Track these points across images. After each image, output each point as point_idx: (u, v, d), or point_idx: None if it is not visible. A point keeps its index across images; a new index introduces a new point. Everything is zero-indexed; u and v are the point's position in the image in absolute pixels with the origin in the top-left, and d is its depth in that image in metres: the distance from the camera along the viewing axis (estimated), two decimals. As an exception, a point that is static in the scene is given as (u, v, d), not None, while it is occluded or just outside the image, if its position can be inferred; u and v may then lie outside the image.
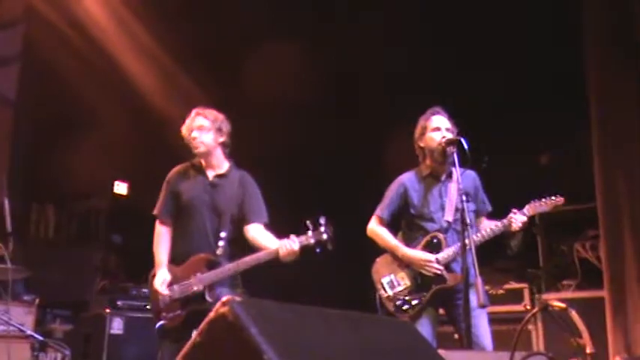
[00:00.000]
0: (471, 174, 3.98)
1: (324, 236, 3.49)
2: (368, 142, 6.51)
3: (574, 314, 2.91)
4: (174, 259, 3.87)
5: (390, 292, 3.83)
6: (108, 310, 5.40)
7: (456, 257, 3.75)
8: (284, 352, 1.31)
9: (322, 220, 3.51)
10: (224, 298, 1.44)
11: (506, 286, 5.47)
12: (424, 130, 3.96)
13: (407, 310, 3.77)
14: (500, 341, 3.91)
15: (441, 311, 3.92)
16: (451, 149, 3.72)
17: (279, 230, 3.73)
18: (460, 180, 3.63)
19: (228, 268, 3.67)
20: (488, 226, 3.83)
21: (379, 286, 3.88)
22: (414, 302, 3.77)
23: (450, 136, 3.82)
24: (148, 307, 4.65)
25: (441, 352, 2.24)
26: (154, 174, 4.30)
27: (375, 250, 4.00)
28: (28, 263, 5.31)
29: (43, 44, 6.97)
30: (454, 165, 3.70)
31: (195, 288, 3.69)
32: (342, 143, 6.66)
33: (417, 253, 3.81)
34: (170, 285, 3.78)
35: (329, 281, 6.38)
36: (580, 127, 5.37)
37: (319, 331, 1.50)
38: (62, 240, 7.22)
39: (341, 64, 6.60)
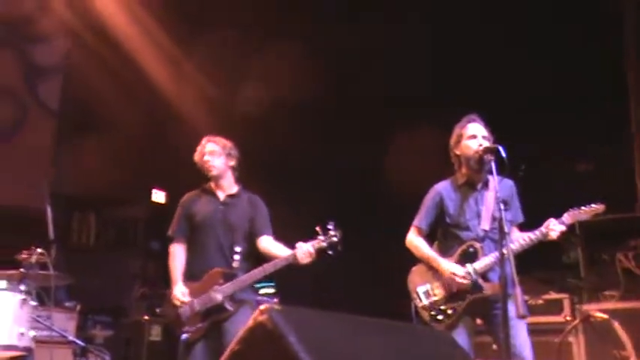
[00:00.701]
0: (508, 182, 3.92)
1: (335, 239, 3.80)
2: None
3: (617, 325, 2.85)
4: (192, 276, 4.08)
5: (426, 302, 3.79)
6: (147, 317, 5.48)
7: (493, 266, 3.69)
8: (322, 360, 1.32)
9: (331, 225, 3.82)
10: (261, 306, 1.45)
11: (546, 297, 5.37)
12: (460, 137, 3.91)
13: (442, 319, 3.73)
14: (540, 352, 3.84)
15: (479, 321, 3.87)
16: (488, 157, 3.66)
17: (293, 238, 3.94)
18: (497, 188, 3.58)
19: (247, 277, 3.92)
20: (527, 235, 3.76)
21: (414, 296, 3.84)
22: (449, 312, 3.73)
23: (486, 143, 3.78)
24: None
25: (478, 362, 2.21)
26: (191, 182, 4.44)
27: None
28: (70, 270, 5.41)
29: (83, 55, 7.15)
30: (491, 173, 3.64)
31: (216, 298, 3.90)
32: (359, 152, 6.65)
33: (446, 265, 3.77)
34: (190, 300, 4.00)
35: (362, 290, 6.37)
36: (621, 133, 5.27)
37: (357, 339, 1.50)
38: (102, 247, 7.36)
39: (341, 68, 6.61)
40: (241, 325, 3.78)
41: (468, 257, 3.78)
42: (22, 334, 3.67)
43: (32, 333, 3.79)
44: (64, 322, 5.09)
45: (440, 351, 1.76)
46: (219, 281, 3.94)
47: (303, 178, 6.93)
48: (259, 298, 4.94)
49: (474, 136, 3.84)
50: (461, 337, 3.66)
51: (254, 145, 5.12)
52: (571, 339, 4.99)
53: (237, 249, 4.04)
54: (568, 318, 5.19)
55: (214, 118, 6.82)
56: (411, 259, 3.98)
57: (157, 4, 6.77)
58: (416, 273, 3.92)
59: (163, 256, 4.39)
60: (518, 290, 3.16)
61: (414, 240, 3.95)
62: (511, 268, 3.27)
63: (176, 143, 7.01)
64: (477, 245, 3.78)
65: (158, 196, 7.60)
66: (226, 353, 1.48)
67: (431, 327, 3.69)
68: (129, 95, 7.17)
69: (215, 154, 4.24)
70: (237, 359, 1.44)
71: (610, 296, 5.23)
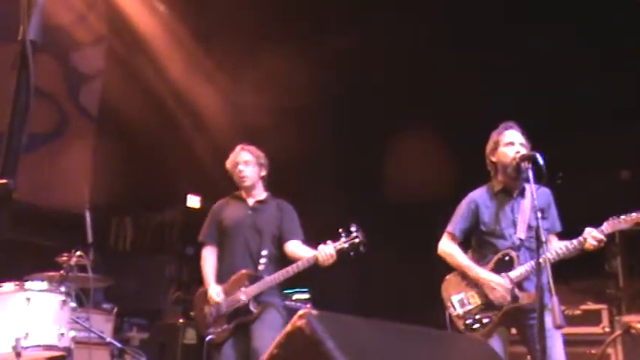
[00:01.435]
0: (545, 191, 3.87)
1: (357, 240, 3.83)
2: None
3: (657, 337, 2.78)
4: (220, 278, 4.21)
5: (460, 311, 3.76)
6: (181, 320, 5.54)
7: (529, 276, 3.65)
8: (359, 366, 1.32)
9: (353, 227, 3.86)
10: (300, 311, 1.47)
11: (583, 307, 5.27)
12: (497, 144, 3.87)
13: (477, 329, 3.69)
14: (576, 364, 3.77)
15: (513, 331, 3.82)
16: (526, 165, 3.61)
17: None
18: (535, 196, 3.53)
19: (271, 278, 3.99)
20: (563, 244, 3.70)
21: (449, 304, 3.81)
22: (484, 321, 3.69)
23: (524, 151, 3.74)
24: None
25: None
26: (224, 187, 4.52)
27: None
28: (107, 273, 5.52)
29: (119, 63, 7.29)
30: (528, 181, 3.60)
31: (242, 299, 4.00)
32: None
33: (485, 275, 3.73)
34: (221, 301, 4.12)
35: (397, 297, 6.34)
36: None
37: (395, 346, 1.50)
38: (138, 252, 7.47)
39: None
40: (267, 327, 3.95)
41: (504, 266, 3.74)
42: (62, 334, 3.73)
43: (72, 333, 3.85)
44: (102, 324, 5.18)
45: (478, 359, 1.74)
46: (244, 283, 4.04)
47: (333, 180, 6.93)
48: (287, 302, 4.95)
49: (511, 143, 3.80)
50: (496, 346, 3.62)
51: (281, 148, 5.17)
52: (610, 350, 4.90)
53: (264, 252, 4.12)
54: (607, 329, 5.09)
55: (243, 125, 6.88)
56: (442, 265, 3.95)
57: (187, 12, 6.86)
58: (450, 281, 3.88)
59: (198, 261, 4.46)
60: (554, 300, 3.11)
61: (448, 247, 3.92)
62: (547, 278, 3.23)
63: (209, 149, 7.11)
64: (513, 254, 3.73)
65: (193, 202, 7.69)
66: (265, 357, 1.50)
67: (469, 335, 3.66)
68: (163, 102, 7.28)
69: (249, 164, 4.34)
70: (275, 363, 1.45)
71: (650, 307, 5.11)
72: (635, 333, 2.95)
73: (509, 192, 3.89)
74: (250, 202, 4.35)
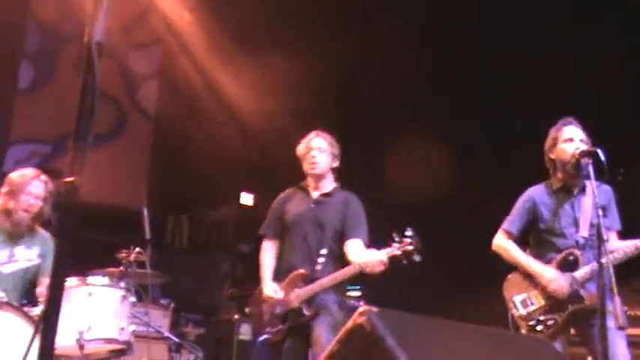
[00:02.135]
0: (606, 188, 3.75)
1: (410, 247, 3.55)
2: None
3: None
4: (278, 276, 4.00)
5: (523, 312, 3.67)
6: (237, 316, 5.60)
7: (593, 276, 3.55)
8: (420, 364, 1.31)
9: (409, 232, 3.58)
10: (360, 309, 1.47)
11: (646, 308, 5.10)
12: (555, 141, 3.78)
13: (541, 330, 3.59)
14: (640, 366, 3.66)
15: (572, 331, 3.72)
16: (586, 161, 3.52)
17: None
18: (596, 193, 3.43)
19: (320, 283, 3.79)
20: (632, 243, 3.58)
21: (511, 305, 3.72)
22: (549, 322, 3.60)
23: (584, 147, 3.64)
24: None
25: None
26: (277, 186, 4.48)
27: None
28: (164, 269, 5.64)
29: (178, 63, 7.43)
30: (588, 178, 3.50)
31: (293, 302, 3.84)
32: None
33: (544, 270, 3.65)
34: (277, 299, 3.92)
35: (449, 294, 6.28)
36: None
37: (456, 345, 1.49)
38: (194, 248, 7.60)
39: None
40: (322, 329, 3.75)
41: (568, 266, 3.64)
42: (122, 328, 3.81)
43: (132, 327, 3.93)
44: (160, 319, 5.28)
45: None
46: (298, 284, 3.85)
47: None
48: (346, 300, 4.89)
49: (570, 139, 3.71)
50: (557, 347, 3.54)
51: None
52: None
53: (323, 251, 3.89)
54: (671, 331, 4.91)
55: (303, 124, 6.91)
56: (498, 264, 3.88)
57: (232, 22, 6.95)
58: (512, 281, 3.79)
59: (252, 258, 4.47)
60: (617, 300, 3.03)
61: (503, 242, 3.83)
62: (610, 278, 3.14)
63: (264, 147, 7.18)
64: (578, 253, 3.63)
65: (246, 199, 7.77)
66: (325, 353, 1.50)
67: (532, 335, 3.57)
68: (219, 102, 7.39)
69: (323, 152, 4.05)
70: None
71: None
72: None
73: (569, 190, 3.79)
74: (315, 194, 4.06)
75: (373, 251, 3.64)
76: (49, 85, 7.24)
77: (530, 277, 3.70)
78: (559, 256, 3.68)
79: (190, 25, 7.08)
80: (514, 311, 3.70)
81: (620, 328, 3.09)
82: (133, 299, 4.13)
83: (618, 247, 3.57)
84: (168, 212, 7.67)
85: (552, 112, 3.93)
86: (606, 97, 5.68)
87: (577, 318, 3.60)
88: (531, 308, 3.67)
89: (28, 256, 4.04)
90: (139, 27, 7.59)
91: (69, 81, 6.70)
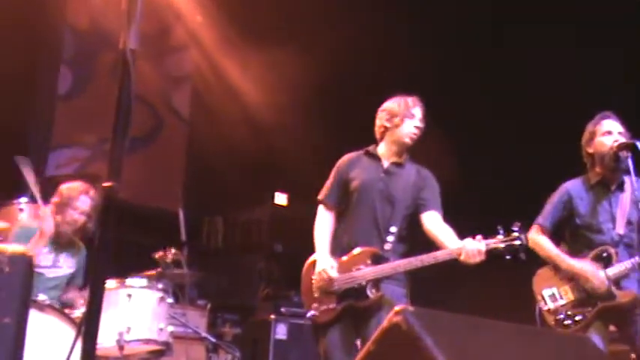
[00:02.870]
0: (645, 183, 3.68)
1: (517, 243, 3.22)
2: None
3: None
4: (336, 250, 3.52)
5: (552, 305, 3.64)
6: (272, 316, 5.62)
7: (628, 274, 3.49)
8: (458, 364, 1.30)
9: (516, 226, 3.25)
10: (397, 307, 1.46)
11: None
12: (593, 135, 3.72)
13: (569, 325, 3.56)
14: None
15: (612, 328, 3.66)
16: (624, 154, 3.46)
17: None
18: (636, 188, 3.37)
19: (399, 264, 3.35)
20: None
21: (539, 298, 3.70)
22: (577, 318, 3.55)
23: (623, 140, 3.57)
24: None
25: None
26: (312, 185, 4.43)
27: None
28: (200, 270, 5.71)
29: (210, 66, 7.51)
30: (627, 172, 3.44)
31: (359, 279, 3.35)
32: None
33: (583, 266, 3.59)
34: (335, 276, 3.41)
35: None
36: None
37: (495, 344, 1.47)
38: (229, 249, 7.66)
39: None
40: (383, 319, 3.39)
41: (601, 262, 3.59)
42: (161, 329, 3.87)
43: (170, 328, 3.99)
44: (197, 320, 5.33)
45: (582, 358, 1.68)
46: (366, 261, 3.38)
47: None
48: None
49: (609, 132, 3.64)
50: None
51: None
52: None
53: (393, 229, 3.45)
54: None
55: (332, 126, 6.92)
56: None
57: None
58: (542, 275, 3.76)
59: (286, 258, 4.46)
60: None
61: (537, 238, 3.76)
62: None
63: (296, 147, 7.19)
64: (612, 250, 3.58)
65: (280, 199, 7.80)
66: (361, 353, 1.50)
67: (574, 333, 3.51)
68: (249, 103, 7.44)
69: (422, 123, 3.59)
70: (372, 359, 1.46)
71: None
72: None
73: (607, 185, 3.73)
74: (385, 163, 3.59)
75: (470, 239, 3.24)
76: (86, 91, 7.38)
77: (560, 272, 3.66)
78: (592, 253, 3.62)
79: (219, 27, 7.14)
80: (542, 304, 3.67)
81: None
82: (170, 300, 4.20)
83: None
84: (203, 213, 7.75)
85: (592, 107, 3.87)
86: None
87: (608, 315, 3.55)
88: (560, 302, 3.63)
89: (68, 264, 4.15)
90: (173, 30, 7.69)
91: (105, 86, 6.82)
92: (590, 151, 3.74)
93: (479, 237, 3.25)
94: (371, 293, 3.33)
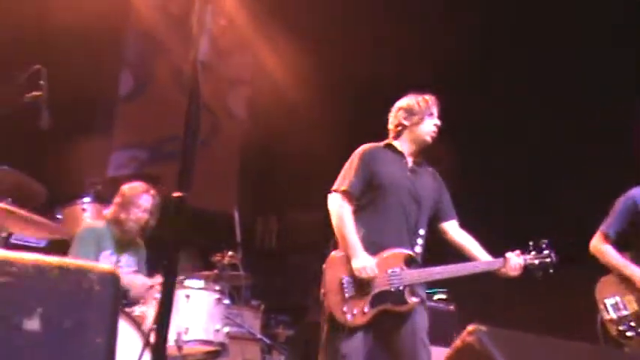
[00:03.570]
0: None
1: (548, 260, 3.34)
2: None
3: None
4: (365, 249, 3.27)
5: (614, 315, 3.57)
6: (325, 318, 5.61)
7: None
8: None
9: (545, 243, 3.36)
10: (469, 327, 1.44)
11: None
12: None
13: (631, 337, 3.48)
14: None
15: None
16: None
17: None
18: None
19: (438, 270, 3.24)
20: None
21: (602, 307, 3.63)
22: (640, 330, 3.46)
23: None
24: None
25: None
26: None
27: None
28: (254, 271, 5.75)
29: (267, 66, 7.56)
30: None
31: (398, 285, 3.19)
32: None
33: None
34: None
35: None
36: None
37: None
38: (283, 250, 7.71)
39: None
40: (419, 326, 3.16)
41: None
42: (217, 330, 3.91)
43: (226, 329, 4.03)
44: (251, 321, 5.37)
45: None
46: (401, 264, 3.22)
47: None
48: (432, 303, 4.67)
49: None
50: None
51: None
52: None
53: (421, 231, 3.34)
54: None
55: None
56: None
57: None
58: (605, 283, 3.70)
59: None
60: None
61: (600, 246, 3.72)
62: None
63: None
64: (680, 260, 3.47)
65: (333, 201, 7.79)
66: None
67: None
68: (302, 106, 7.47)
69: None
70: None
71: None
72: None
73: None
74: (409, 160, 3.46)
75: (513, 254, 3.31)
76: (146, 93, 7.54)
77: (625, 281, 3.58)
78: None
79: (268, 29, 7.18)
80: (604, 314, 3.60)
81: None
82: (227, 301, 4.25)
83: None
84: (257, 214, 7.82)
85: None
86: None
87: None
88: (623, 312, 3.55)
89: (130, 263, 4.24)
90: (228, 33, 7.78)
91: (165, 89, 6.95)
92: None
93: (517, 252, 3.33)
94: (409, 299, 3.19)
